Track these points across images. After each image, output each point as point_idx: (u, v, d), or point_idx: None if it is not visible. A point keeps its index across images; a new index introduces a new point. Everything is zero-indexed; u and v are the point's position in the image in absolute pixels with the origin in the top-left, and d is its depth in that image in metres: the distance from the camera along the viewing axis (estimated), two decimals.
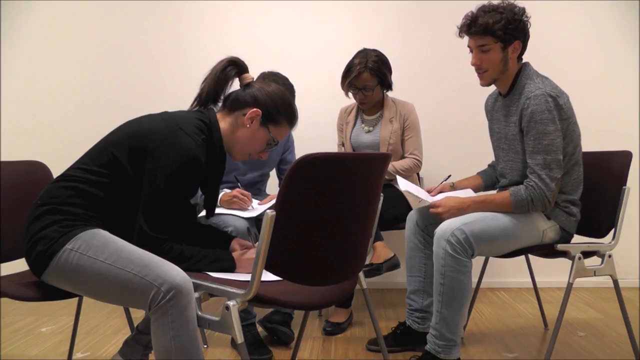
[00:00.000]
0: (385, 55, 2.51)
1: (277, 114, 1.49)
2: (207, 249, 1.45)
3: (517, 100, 1.88)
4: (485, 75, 1.90)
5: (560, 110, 1.79)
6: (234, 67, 1.49)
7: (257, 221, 2.25)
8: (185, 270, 1.26)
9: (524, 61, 1.93)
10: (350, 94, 2.53)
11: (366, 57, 2.44)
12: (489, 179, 2.18)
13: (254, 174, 2.46)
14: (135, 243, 1.32)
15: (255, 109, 1.46)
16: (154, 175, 1.33)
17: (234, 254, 1.49)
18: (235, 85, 1.53)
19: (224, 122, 1.49)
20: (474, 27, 1.83)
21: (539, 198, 1.79)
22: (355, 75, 2.42)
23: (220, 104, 1.53)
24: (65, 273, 1.28)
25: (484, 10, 1.84)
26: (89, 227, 1.31)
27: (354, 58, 2.48)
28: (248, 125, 1.47)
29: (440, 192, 2.08)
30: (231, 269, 1.45)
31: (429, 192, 2.09)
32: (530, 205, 1.81)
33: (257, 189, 2.50)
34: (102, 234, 1.31)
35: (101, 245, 1.27)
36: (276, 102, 1.49)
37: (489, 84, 1.94)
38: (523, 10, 1.85)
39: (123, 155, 1.36)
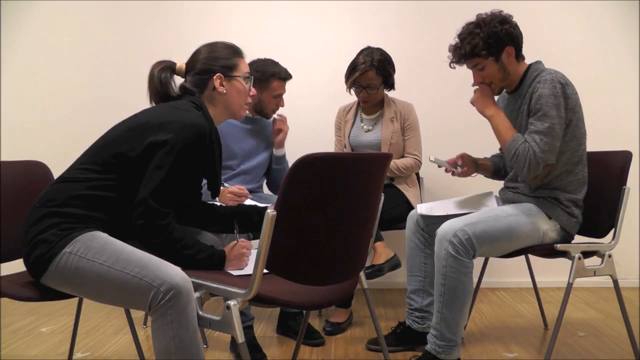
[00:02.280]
0: (389, 54, 2.51)
1: (226, 60, 1.55)
2: (203, 243, 1.45)
3: (526, 92, 1.89)
4: (492, 87, 1.96)
5: (567, 99, 1.80)
6: (164, 69, 1.58)
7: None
8: (178, 257, 1.34)
9: (536, 59, 1.94)
10: (352, 91, 2.53)
11: (371, 55, 2.43)
12: (496, 167, 2.19)
13: (251, 162, 2.43)
14: (135, 215, 1.32)
15: (214, 76, 1.52)
16: (162, 152, 1.33)
17: (226, 249, 1.49)
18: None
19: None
20: (459, 56, 1.90)
21: (524, 154, 1.78)
22: (361, 73, 2.41)
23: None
24: (65, 276, 1.28)
25: (462, 37, 1.89)
26: (88, 230, 1.31)
27: (358, 55, 2.47)
28: (224, 91, 1.53)
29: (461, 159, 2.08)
30: (220, 267, 1.45)
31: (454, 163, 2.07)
32: (514, 158, 1.81)
33: (258, 191, 2.49)
34: (101, 236, 1.31)
35: (100, 247, 1.27)
36: (216, 55, 1.54)
37: (499, 94, 2.01)
38: (503, 17, 1.86)
39: (127, 148, 1.36)
